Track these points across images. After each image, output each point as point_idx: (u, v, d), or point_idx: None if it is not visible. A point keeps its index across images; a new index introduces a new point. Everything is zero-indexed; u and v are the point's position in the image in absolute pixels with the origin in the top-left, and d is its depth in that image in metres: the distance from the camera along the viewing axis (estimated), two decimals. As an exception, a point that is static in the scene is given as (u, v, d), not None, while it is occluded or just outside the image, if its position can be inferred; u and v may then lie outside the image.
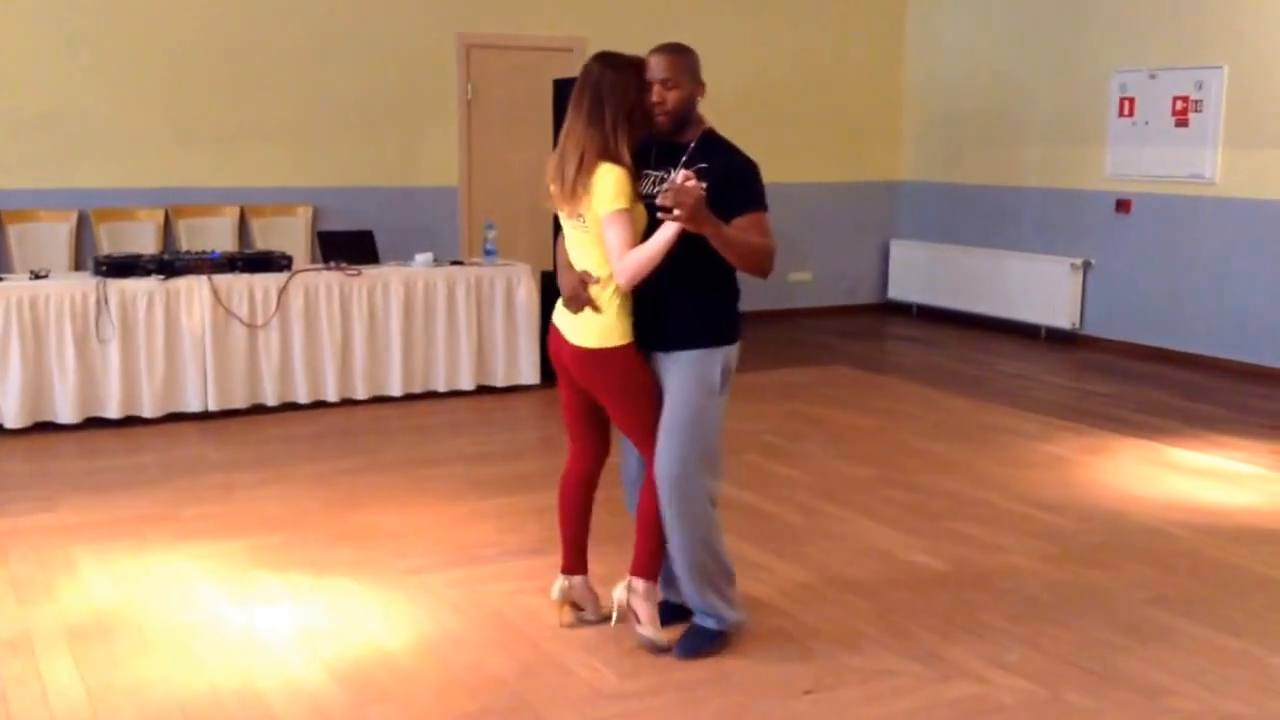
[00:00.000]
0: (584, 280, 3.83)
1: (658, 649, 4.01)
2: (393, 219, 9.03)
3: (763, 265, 3.75)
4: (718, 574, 4.03)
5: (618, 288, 3.80)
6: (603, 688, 3.80)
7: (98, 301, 6.84)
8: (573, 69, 9.58)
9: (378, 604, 4.45)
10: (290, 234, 8.90)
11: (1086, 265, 9.91)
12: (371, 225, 8.31)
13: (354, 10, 9.15)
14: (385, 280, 7.57)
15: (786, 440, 6.81)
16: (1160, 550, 5.09)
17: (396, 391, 7.65)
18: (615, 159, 3.73)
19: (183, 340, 7.06)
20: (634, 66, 3.79)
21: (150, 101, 8.61)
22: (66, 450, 6.57)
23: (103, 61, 8.46)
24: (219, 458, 6.46)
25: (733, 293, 3.95)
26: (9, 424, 6.74)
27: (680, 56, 3.82)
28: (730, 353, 3.91)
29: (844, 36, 11.16)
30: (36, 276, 6.94)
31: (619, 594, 4.08)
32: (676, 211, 3.50)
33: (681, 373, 3.85)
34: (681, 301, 3.83)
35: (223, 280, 7.12)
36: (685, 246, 3.67)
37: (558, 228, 3.92)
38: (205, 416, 7.16)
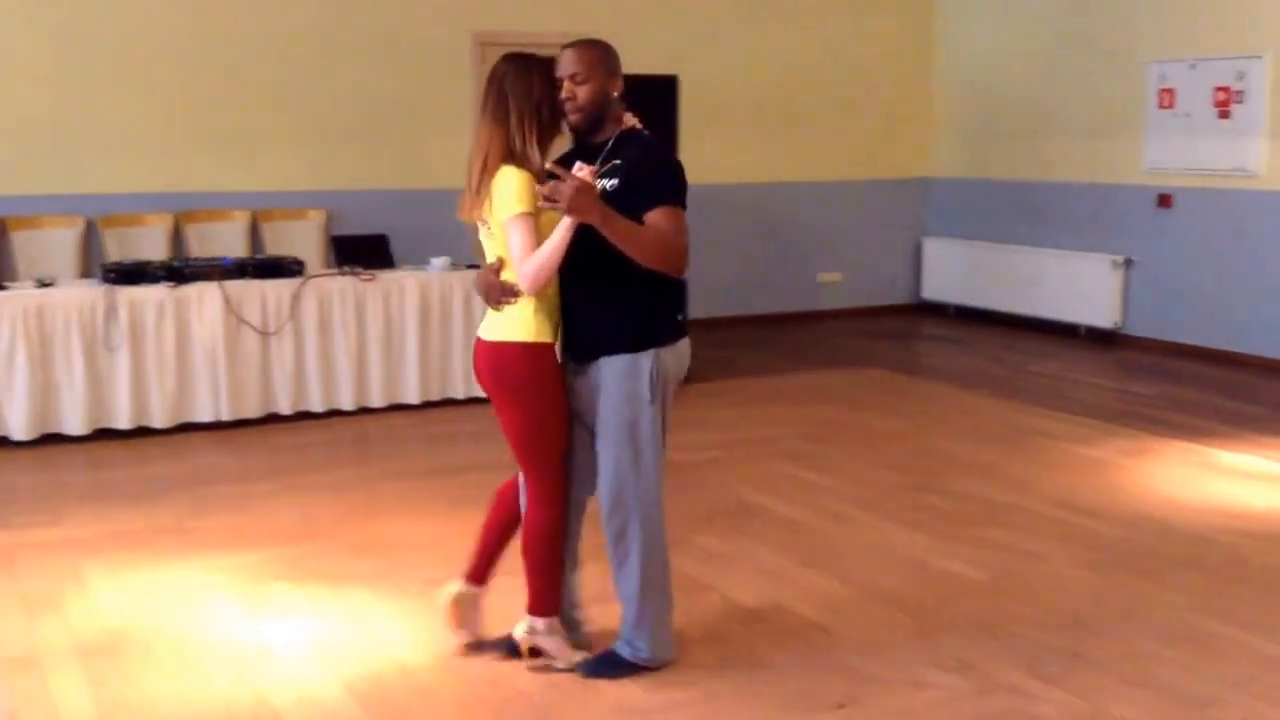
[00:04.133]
0: (494, 270, 3.73)
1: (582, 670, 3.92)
2: (407, 222, 8.88)
3: (668, 260, 3.59)
4: (661, 600, 3.89)
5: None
6: (628, 702, 3.73)
7: (106, 310, 6.72)
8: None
9: (396, 617, 4.37)
10: (303, 239, 8.75)
11: (1127, 262, 9.70)
12: (386, 229, 8.19)
13: (366, 10, 9.04)
14: (401, 285, 7.45)
15: (816, 446, 6.68)
16: (1204, 556, 4.98)
17: (414, 399, 7.51)
18: (520, 160, 3.64)
19: (193, 348, 6.94)
20: (540, 63, 3.72)
21: (158, 105, 8.50)
22: (75, 462, 6.47)
23: (109, 65, 8.35)
24: (231, 468, 6.36)
25: (658, 291, 3.72)
26: (16, 436, 6.63)
27: (591, 51, 3.71)
28: (661, 354, 3.71)
29: (873, 31, 11.00)
30: (43, 285, 6.84)
31: (520, 634, 3.92)
32: (558, 202, 3.45)
33: (607, 384, 3.72)
34: (600, 305, 3.72)
35: (234, 287, 7.01)
36: (594, 244, 3.54)
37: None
38: (217, 426, 7.03)
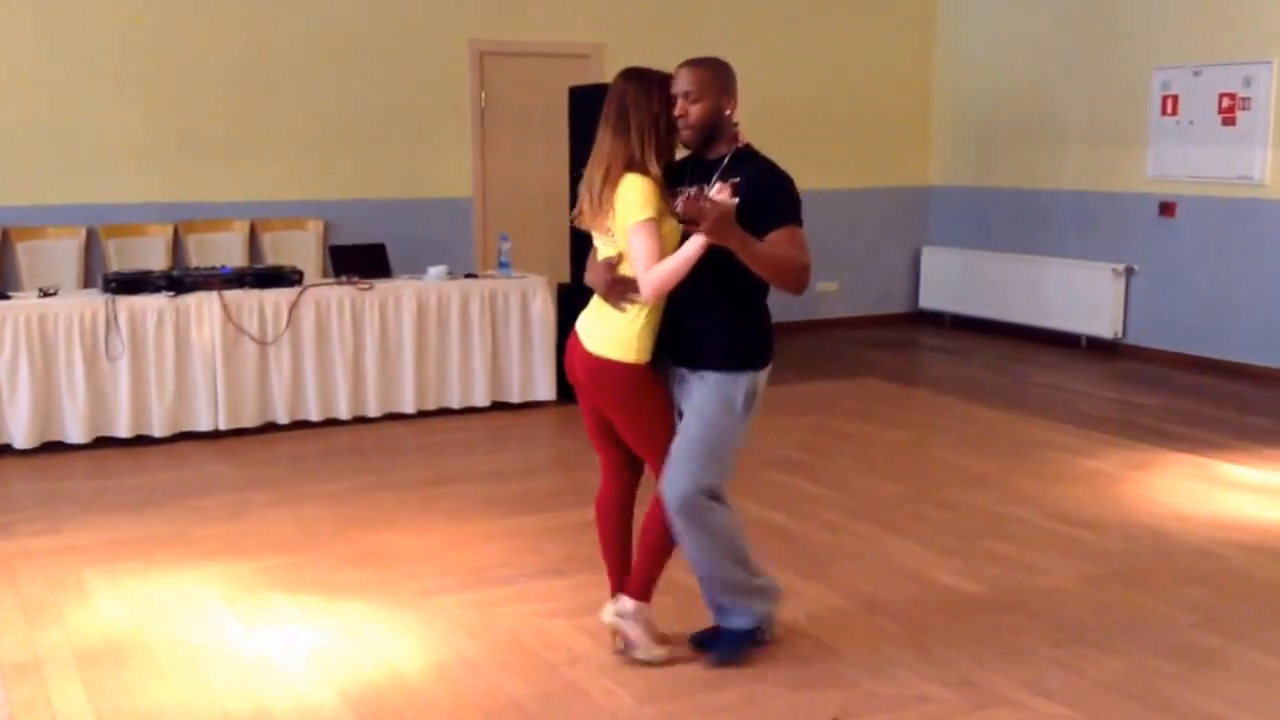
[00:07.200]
0: (609, 266, 3.78)
1: (659, 664, 3.98)
2: (405, 232, 8.90)
3: (796, 280, 3.68)
4: (747, 579, 4.00)
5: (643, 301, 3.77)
6: (620, 713, 3.72)
7: (107, 319, 6.72)
8: (589, 76, 9.54)
9: (391, 626, 4.36)
10: (301, 248, 8.77)
11: (1129, 271, 9.63)
12: (383, 238, 8.18)
13: (363, 19, 9.04)
14: (398, 294, 7.44)
15: (813, 456, 6.65)
16: (1209, 571, 4.92)
17: (410, 408, 7.50)
18: (642, 170, 3.73)
19: (193, 358, 6.93)
20: (659, 79, 3.81)
21: (158, 115, 8.51)
22: (76, 470, 6.46)
23: (109, 75, 8.36)
24: (230, 477, 6.34)
25: (763, 314, 3.90)
26: (18, 444, 6.63)
27: (706, 69, 3.78)
28: (757, 377, 3.85)
29: (872, 39, 10.96)
30: (45, 294, 6.84)
31: (607, 617, 4.00)
32: (702, 225, 3.48)
33: (704, 392, 3.80)
34: (710, 319, 3.79)
35: (233, 296, 7.00)
36: (716, 261, 3.61)
37: (576, 241, 3.86)
38: (216, 435, 7.02)
